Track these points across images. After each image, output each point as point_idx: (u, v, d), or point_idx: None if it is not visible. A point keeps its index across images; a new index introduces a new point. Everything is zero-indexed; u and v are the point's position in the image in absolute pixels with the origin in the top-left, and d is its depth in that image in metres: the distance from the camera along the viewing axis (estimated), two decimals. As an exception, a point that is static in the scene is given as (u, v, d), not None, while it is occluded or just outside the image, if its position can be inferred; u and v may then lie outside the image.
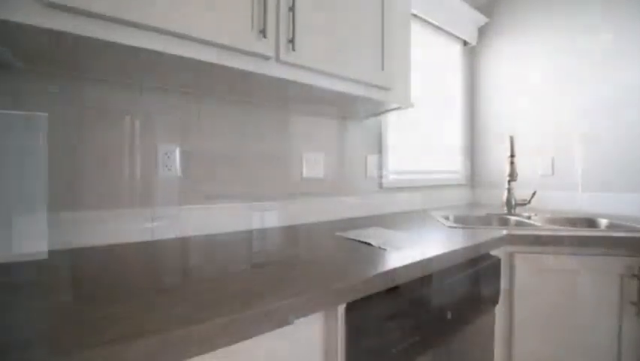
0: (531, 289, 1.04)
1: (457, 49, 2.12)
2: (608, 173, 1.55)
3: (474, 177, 2.14)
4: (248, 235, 1.01)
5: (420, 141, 1.86)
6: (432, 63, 1.96)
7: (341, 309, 0.59)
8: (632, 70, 1.48)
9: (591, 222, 1.38)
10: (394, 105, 1.23)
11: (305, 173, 1.29)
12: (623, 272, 1.00)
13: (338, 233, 1.02)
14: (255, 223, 1.13)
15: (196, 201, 1.02)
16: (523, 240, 1.02)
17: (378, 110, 1.31)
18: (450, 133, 2.06)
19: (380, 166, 1.57)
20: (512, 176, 1.29)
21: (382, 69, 1.09)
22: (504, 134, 1.97)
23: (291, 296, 0.50)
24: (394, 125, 1.69)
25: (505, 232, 1.05)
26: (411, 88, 1.24)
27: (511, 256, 1.05)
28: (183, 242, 0.90)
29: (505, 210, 1.51)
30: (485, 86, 2.10)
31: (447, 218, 1.42)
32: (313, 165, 1.31)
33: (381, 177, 1.57)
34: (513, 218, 1.39)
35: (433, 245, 0.85)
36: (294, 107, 1.25)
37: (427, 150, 1.90)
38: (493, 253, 1.01)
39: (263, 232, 1.07)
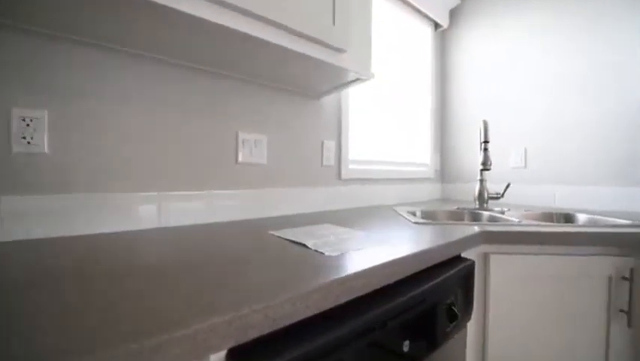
0: (508, 295, 0.86)
1: (427, 32, 1.95)
2: (585, 165, 1.43)
3: (445, 170, 1.98)
4: (137, 236, 0.74)
5: (386, 130, 1.67)
6: (401, 46, 1.78)
7: (216, 359, 0.35)
8: (611, 52, 1.37)
9: (569, 218, 1.24)
10: (352, 75, 1.01)
11: (241, 158, 1.03)
12: (612, 274, 0.84)
13: (272, 232, 0.79)
14: (162, 220, 0.86)
15: (64, 188, 0.74)
16: (500, 238, 0.84)
17: (333, 82, 1.09)
18: (419, 123, 1.89)
19: (339, 154, 1.35)
20: (486, 165, 1.12)
21: (333, 24, 0.87)
22: (476, 125, 1.83)
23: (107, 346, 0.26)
24: (357, 109, 1.48)
25: (478, 228, 0.86)
26: (371, 55, 1.02)
27: (485, 257, 0.87)
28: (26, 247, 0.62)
29: (477, 204, 1.35)
30: (456, 73, 1.95)
31: (414, 214, 1.23)
32: (252, 148, 1.06)
33: (340, 166, 1.35)
34: (486, 213, 1.23)
35: (390, 247, 0.64)
36: (228, 73, 0.99)
37: (393, 139, 1.72)
38: (465, 255, 0.82)
39: (166, 231, 0.81)
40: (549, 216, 1.27)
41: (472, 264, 0.74)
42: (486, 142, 1.14)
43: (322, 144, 1.29)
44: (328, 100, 1.31)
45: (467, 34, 1.90)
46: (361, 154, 1.51)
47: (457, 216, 1.29)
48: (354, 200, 1.40)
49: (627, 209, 1.30)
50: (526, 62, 1.63)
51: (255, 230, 0.82)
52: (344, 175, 1.35)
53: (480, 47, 1.83)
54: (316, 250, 0.59)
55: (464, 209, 1.31)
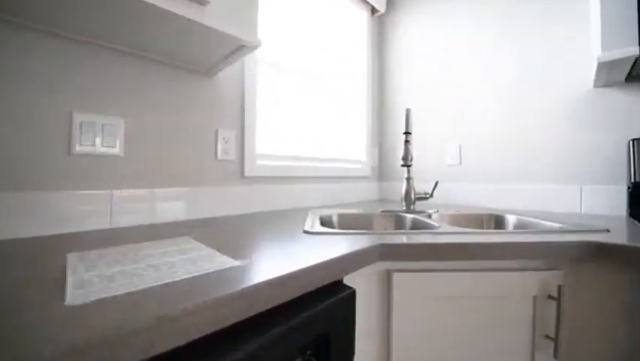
0: (415, 325, 0.67)
1: (363, 17, 1.78)
2: (522, 162, 1.32)
3: (383, 168, 1.82)
4: None
5: (314, 123, 1.45)
6: (334, 31, 1.58)
7: None
8: (546, 47, 1.27)
9: (500, 220, 1.11)
10: (230, 41, 0.78)
11: (78, 147, 0.75)
12: (537, 293, 0.69)
13: (75, 253, 0.52)
14: None
15: None
16: (402, 252, 0.65)
17: (211, 51, 0.85)
18: (354, 116, 1.70)
19: (242, 147, 1.11)
20: (406, 160, 0.94)
21: (179, -42, 0.62)
22: (417, 119, 1.68)
23: None
24: (270, 93, 1.25)
25: (377, 241, 0.66)
26: (256, 17, 0.80)
27: (388, 276, 0.67)
28: None
29: (404, 206, 1.17)
30: (395, 62, 1.79)
31: (325, 220, 1.03)
32: (98, 134, 0.78)
33: (243, 162, 1.10)
34: (409, 217, 1.05)
35: (213, 282, 0.41)
36: (73, 35, 0.71)
37: (323, 133, 1.51)
38: (366, 272, 0.62)
39: None
40: (478, 219, 1.12)
41: (352, 295, 0.54)
42: (407, 133, 0.97)
43: (217, 133, 1.04)
44: (225, 80, 1.06)
45: (406, 20, 1.75)
46: (280, 149, 1.28)
47: (366, 222, 1.10)
48: (263, 202, 1.16)
49: (562, 208, 1.20)
50: (463, 53, 1.50)
51: (51, 248, 0.55)
52: (249, 172, 1.11)
53: (419, 34, 1.68)
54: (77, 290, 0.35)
55: (390, 212, 1.13)
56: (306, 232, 0.74)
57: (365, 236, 0.70)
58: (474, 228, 1.12)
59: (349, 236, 0.70)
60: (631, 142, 1.01)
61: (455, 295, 0.67)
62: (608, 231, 0.78)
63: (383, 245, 0.63)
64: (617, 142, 1.10)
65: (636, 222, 0.93)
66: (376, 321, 0.66)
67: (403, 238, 0.68)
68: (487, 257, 0.66)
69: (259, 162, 1.16)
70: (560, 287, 0.66)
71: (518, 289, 0.68)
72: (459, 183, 1.49)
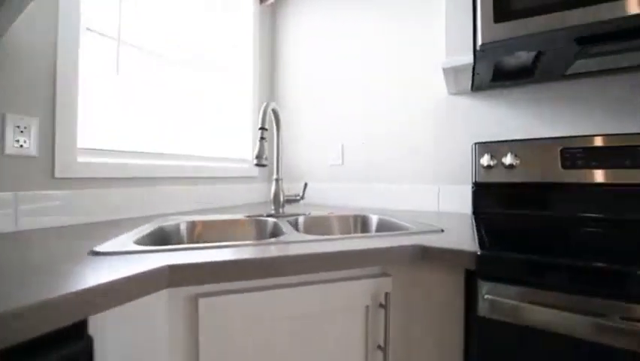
0: (233, 357, 0.56)
1: (248, 3, 1.63)
2: (396, 163, 1.36)
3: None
4: None
5: (186, 116, 1.25)
6: (215, 16, 1.39)
7: None
8: (422, 44, 1.32)
9: (365, 222, 1.10)
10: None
11: None
12: (370, 302, 0.65)
13: None
14: None
15: None
16: (198, 274, 0.52)
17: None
18: (237, 111, 1.55)
19: (51, 138, 0.85)
20: (260, 158, 0.83)
21: None
22: (313, 117, 1.62)
23: None
24: (119, 76, 1.01)
25: (170, 261, 0.53)
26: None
27: (192, 302, 0.54)
28: None
29: (273, 209, 1.07)
30: (285, 57, 1.70)
31: (161, 232, 0.85)
32: None
33: (54, 158, 0.85)
34: (271, 222, 0.96)
35: None
36: None
37: (197, 128, 1.32)
38: (161, 302, 0.47)
39: None
40: (347, 220, 1.10)
41: (88, 347, 0.39)
42: (262, 129, 0.86)
43: (3, 118, 0.76)
44: (20, 50, 0.79)
45: (296, 12, 1.67)
46: (133, 144, 1.04)
47: (233, 228, 0.98)
48: (91, 210, 0.91)
49: (427, 207, 1.26)
50: (348, 52, 1.49)
51: None
52: (63, 172, 0.86)
53: (308, 27, 1.62)
54: None
55: (254, 217, 1.02)
56: (94, 252, 0.56)
57: (165, 254, 0.56)
58: (341, 230, 1.08)
59: (151, 255, 0.55)
60: (474, 145, 1.09)
61: (282, 314, 0.58)
62: (442, 231, 0.80)
63: (173, 267, 0.50)
64: (468, 146, 1.20)
65: (478, 218, 1.01)
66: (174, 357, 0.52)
67: (205, 255, 0.56)
68: (313, 270, 0.59)
69: (84, 158, 0.92)
70: (387, 294, 0.63)
71: (351, 300, 0.63)
72: (341, 183, 1.47)
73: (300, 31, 1.64)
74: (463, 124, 1.21)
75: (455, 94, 1.23)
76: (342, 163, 1.48)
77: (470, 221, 0.96)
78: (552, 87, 1.05)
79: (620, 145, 0.89)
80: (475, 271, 0.57)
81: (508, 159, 1.01)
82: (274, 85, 1.73)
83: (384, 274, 0.66)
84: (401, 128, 1.34)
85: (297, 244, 0.66)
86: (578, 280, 0.48)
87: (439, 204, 1.24)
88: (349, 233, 1.09)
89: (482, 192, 1.08)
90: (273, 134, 1.70)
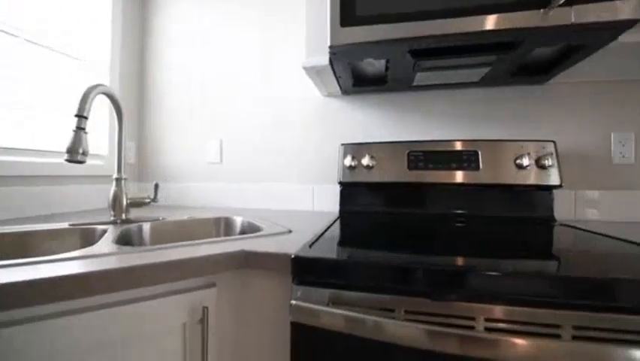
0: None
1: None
2: (275, 162, 1.31)
3: (146, 165, 1.49)
4: None
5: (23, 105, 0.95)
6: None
7: None
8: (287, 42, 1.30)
9: (230, 225, 1.02)
10: None
11: None
12: (187, 319, 0.57)
13: None
14: None
15: None
16: None
17: None
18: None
19: None
20: (73, 153, 0.67)
21: None
22: (179, 110, 1.44)
23: None
24: None
25: None
26: None
27: None
28: None
29: (112, 215, 0.90)
30: (161, 49, 1.49)
31: None
32: None
33: None
34: (100, 230, 0.80)
35: None
36: None
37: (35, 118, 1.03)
38: None
39: None
40: (205, 225, 1.00)
41: None
42: (80, 117, 0.70)
43: None
44: None
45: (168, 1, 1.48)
46: None
47: (50, 240, 0.78)
48: None
49: (303, 206, 1.26)
50: (230, 37, 1.38)
51: None
52: None
53: (183, 17, 1.45)
54: None
55: (82, 225, 0.83)
56: None
57: None
58: (200, 236, 0.98)
59: None
60: (341, 146, 1.12)
61: (89, 342, 0.45)
62: (290, 232, 0.78)
63: None
64: (338, 146, 1.23)
65: (342, 216, 1.04)
66: None
67: None
68: (118, 287, 0.48)
69: None
70: (205, 309, 0.56)
71: (167, 318, 0.54)
72: (220, 182, 1.37)
73: (174, 26, 1.46)
74: (335, 125, 1.25)
75: (328, 96, 1.25)
76: (221, 162, 1.37)
77: (331, 220, 0.98)
78: (402, 96, 1.16)
79: (451, 150, 1.03)
80: (292, 275, 0.55)
81: (366, 160, 1.06)
82: (144, 79, 1.50)
83: (209, 285, 0.59)
84: (279, 127, 1.31)
85: (105, 257, 0.54)
86: (384, 279, 0.50)
87: (314, 204, 1.25)
88: (210, 237, 1.00)
89: (347, 192, 1.12)
90: (134, 126, 1.48)
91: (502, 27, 0.73)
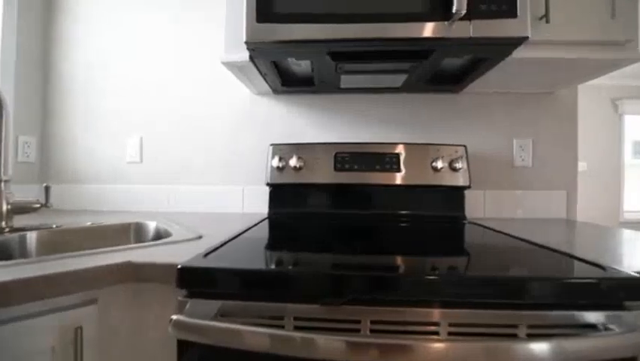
0: None
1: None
2: (202, 163, 1.24)
3: (47, 166, 1.30)
4: None
5: None
6: None
7: None
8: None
9: (142, 231, 0.94)
10: None
11: None
12: (57, 342, 0.49)
13: None
14: None
15: None
16: None
17: None
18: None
19: None
20: None
21: None
22: (112, 104, 1.29)
23: None
24: None
25: None
26: None
27: None
28: None
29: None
30: (74, 38, 1.31)
31: None
32: None
33: None
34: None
35: None
36: None
37: None
38: None
39: None
40: (112, 232, 0.90)
41: None
42: None
43: None
44: None
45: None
46: None
47: None
48: None
49: (232, 208, 1.20)
50: (147, 35, 1.27)
51: None
52: None
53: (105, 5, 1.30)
54: None
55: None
56: None
57: None
58: (102, 245, 0.88)
59: None
60: (269, 146, 1.09)
61: None
62: (200, 237, 0.73)
63: None
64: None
65: (270, 218, 1.01)
66: None
67: None
68: None
69: None
70: (78, 330, 0.49)
71: (32, 342, 0.46)
72: (139, 184, 1.25)
73: (90, 11, 1.30)
74: (267, 125, 1.21)
75: (258, 94, 1.22)
76: (141, 161, 1.26)
77: (252, 223, 0.94)
78: (331, 98, 1.18)
79: (375, 152, 1.06)
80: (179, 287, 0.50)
81: (294, 161, 1.05)
82: (50, 65, 1.30)
83: (88, 302, 0.52)
84: (206, 126, 1.24)
85: None
86: (271, 287, 0.48)
87: (244, 206, 1.20)
88: (116, 245, 0.90)
89: (276, 193, 1.10)
90: (36, 118, 1.29)
91: (413, 35, 0.77)
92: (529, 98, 1.15)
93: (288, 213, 1.08)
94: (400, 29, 0.76)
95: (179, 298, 0.49)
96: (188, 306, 0.49)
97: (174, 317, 0.46)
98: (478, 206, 1.14)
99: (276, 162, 1.06)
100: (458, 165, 1.02)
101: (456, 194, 1.05)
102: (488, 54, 0.84)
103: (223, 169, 1.22)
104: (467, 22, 0.75)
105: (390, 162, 1.05)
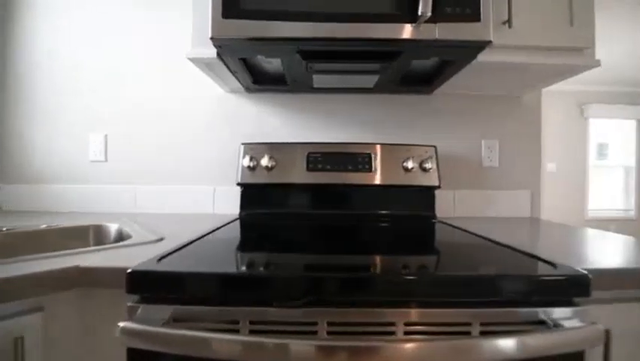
0: None
1: None
2: (174, 162, 1.19)
3: (5, 163, 1.22)
4: None
5: None
6: None
7: None
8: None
9: (102, 234, 0.89)
10: None
11: None
12: (-7, 356, 0.46)
13: None
14: None
15: None
16: None
17: None
18: None
19: None
20: None
21: None
22: (64, 100, 1.22)
23: None
24: None
25: None
26: None
27: None
28: None
29: None
30: (31, 27, 1.24)
31: None
32: None
33: None
34: None
35: None
36: None
37: None
38: None
39: None
40: (67, 235, 0.86)
41: None
42: None
43: None
44: None
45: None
46: None
47: None
48: None
49: (202, 209, 1.17)
50: (120, 24, 1.21)
51: None
52: None
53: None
54: None
55: None
56: None
57: None
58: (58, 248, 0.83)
59: None
60: (241, 145, 1.07)
61: None
62: (161, 240, 0.70)
63: None
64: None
65: (242, 219, 0.99)
66: None
67: None
68: None
69: None
70: (18, 340, 0.46)
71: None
72: (104, 184, 1.19)
73: (49, 2, 1.23)
74: (238, 124, 1.19)
75: (230, 92, 1.19)
76: (106, 160, 1.20)
77: (219, 224, 0.92)
78: (305, 97, 1.17)
79: (347, 152, 1.06)
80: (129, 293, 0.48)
81: (265, 161, 1.03)
82: (6, 62, 1.22)
83: (32, 310, 0.49)
84: (177, 124, 1.20)
85: None
86: (225, 290, 0.46)
87: (215, 206, 1.18)
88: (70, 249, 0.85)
89: (247, 193, 1.08)
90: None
91: (381, 36, 0.77)
92: (496, 101, 1.19)
93: (259, 213, 1.06)
94: (369, 30, 0.76)
95: (129, 304, 0.47)
96: (139, 312, 0.47)
97: (122, 323, 0.44)
98: (448, 205, 1.16)
99: (247, 162, 1.04)
100: (428, 166, 1.04)
101: (426, 194, 1.07)
102: (454, 56, 0.86)
103: (194, 169, 1.19)
104: (433, 25, 0.76)
105: (362, 162, 1.05)
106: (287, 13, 0.76)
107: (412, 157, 1.04)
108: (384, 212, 1.05)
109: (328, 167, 1.04)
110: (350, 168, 1.04)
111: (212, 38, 0.76)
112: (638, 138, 4.42)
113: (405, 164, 1.03)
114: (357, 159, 1.05)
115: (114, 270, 0.50)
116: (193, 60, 0.88)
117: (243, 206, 1.07)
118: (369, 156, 1.05)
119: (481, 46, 0.80)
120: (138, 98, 1.20)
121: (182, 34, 1.17)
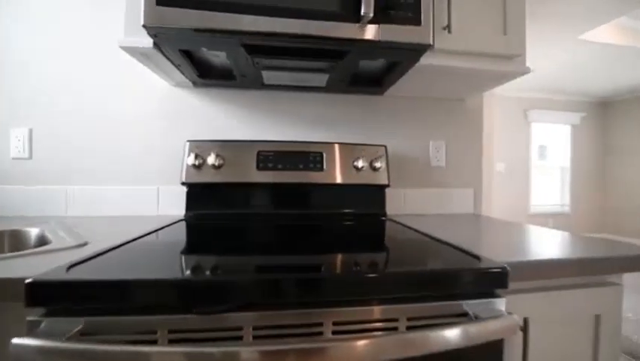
0: None
1: None
2: (119, 159, 1.10)
3: None
4: None
5: None
6: None
7: None
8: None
9: (19, 239, 0.80)
10: None
11: None
12: None
13: None
14: None
15: None
16: None
17: None
18: None
19: None
20: None
21: None
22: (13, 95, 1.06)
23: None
24: None
25: None
26: None
27: None
28: None
29: None
30: None
31: None
32: None
33: None
34: None
35: None
36: None
37: None
38: None
39: None
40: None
41: None
42: None
43: None
44: None
45: None
46: None
47: None
48: None
49: (145, 210, 1.09)
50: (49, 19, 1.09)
51: None
52: None
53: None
54: None
55: None
56: None
57: None
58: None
59: None
60: (186, 143, 1.01)
61: None
62: (85, 245, 0.64)
63: None
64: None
65: (187, 220, 0.93)
66: None
67: None
68: None
69: None
70: None
71: None
72: (28, 184, 1.07)
73: None
74: (184, 120, 1.13)
75: (176, 86, 1.12)
76: (31, 157, 1.08)
77: (156, 226, 0.86)
78: (255, 94, 1.14)
79: (298, 151, 1.04)
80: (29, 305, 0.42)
81: (212, 159, 0.98)
82: None
83: None
84: (116, 118, 1.11)
85: None
86: (140, 298, 0.43)
87: (159, 207, 1.10)
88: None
89: (192, 193, 1.02)
90: None
91: (325, 34, 0.76)
92: (443, 104, 1.25)
93: (205, 214, 1.01)
94: (314, 27, 0.76)
95: (29, 318, 0.42)
96: (42, 326, 0.42)
97: (14, 340, 0.38)
98: (399, 203, 1.20)
99: (192, 160, 0.99)
100: (378, 165, 1.05)
101: (376, 192, 1.09)
102: (398, 58, 0.88)
103: (135, 167, 1.11)
104: (377, 26, 0.77)
105: (314, 161, 1.04)
106: (229, 4, 0.73)
107: (363, 156, 1.05)
108: (336, 211, 1.06)
109: (279, 166, 1.02)
110: (301, 167, 1.03)
111: (144, 26, 0.70)
112: (573, 141, 4.92)
113: (356, 163, 1.04)
114: (308, 157, 1.04)
115: (13, 281, 0.44)
116: (126, 49, 0.81)
117: (188, 207, 1.02)
118: (320, 155, 1.05)
119: (422, 49, 0.83)
120: (71, 89, 1.09)
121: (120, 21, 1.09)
